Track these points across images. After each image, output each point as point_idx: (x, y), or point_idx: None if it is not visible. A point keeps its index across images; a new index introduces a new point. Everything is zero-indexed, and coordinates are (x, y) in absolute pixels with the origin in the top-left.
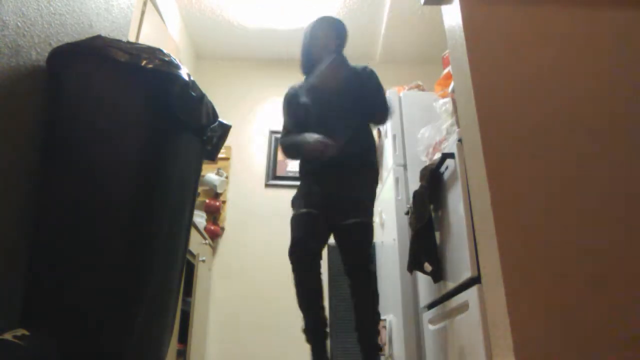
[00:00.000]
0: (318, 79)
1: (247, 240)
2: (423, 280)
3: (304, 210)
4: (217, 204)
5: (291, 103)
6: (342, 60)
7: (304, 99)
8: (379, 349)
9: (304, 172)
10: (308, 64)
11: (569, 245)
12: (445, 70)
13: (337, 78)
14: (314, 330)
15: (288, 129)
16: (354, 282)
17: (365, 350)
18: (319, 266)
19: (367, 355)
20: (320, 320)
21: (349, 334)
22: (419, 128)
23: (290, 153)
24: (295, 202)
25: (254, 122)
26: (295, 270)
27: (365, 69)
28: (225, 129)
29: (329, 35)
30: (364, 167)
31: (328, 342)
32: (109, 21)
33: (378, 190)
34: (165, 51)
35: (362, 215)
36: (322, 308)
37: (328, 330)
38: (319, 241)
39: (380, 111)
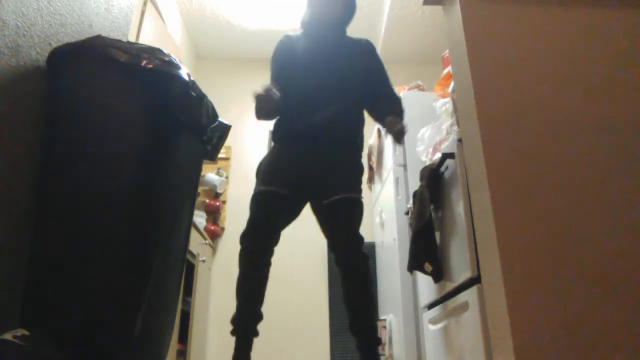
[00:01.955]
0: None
1: None
2: (423, 280)
3: (271, 188)
4: (217, 204)
5: (280, 55)
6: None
7: (299, 55)
8: (379, 342)
9: (277, 139)
10: (310, 21)
11: (569, 245)
12: (445, 70)
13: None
14: (247, 324)
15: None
16: (345, 269)
17: (364, 344)
18: (271, 256)
19: (366, 350)
20: (256, 315)
21: (349, 333)
22: (419, 128)
23: (256, 109)
24: (261, 174)
25: (254, 122)
26: (246, 258)
27: (367, 44)
28: (225, 129)
29: (337, 2)
30: (348, 145)
31: (252, 341)
32: (109, 21)
33: (378, 189)
34: (165, 51)
35: (348, 191)
36: (261, 302)
37: (258, 328)
38: (279, 230)
39: (395, 103)
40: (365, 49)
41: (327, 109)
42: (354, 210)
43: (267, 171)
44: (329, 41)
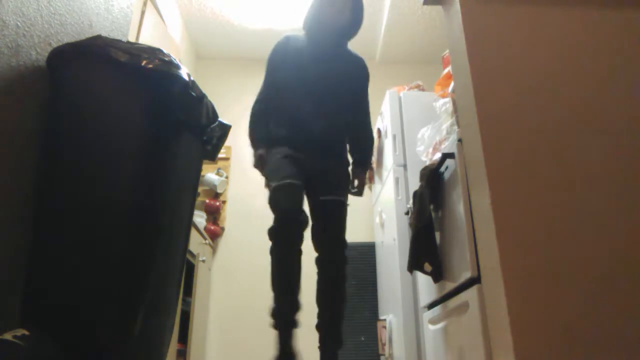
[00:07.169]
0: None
1: (247, 240)
2: (423, 280)
3: (286, 181)
4: (217, 204)
5: (278, 57)
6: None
7: (297, 60)
8: (340, 344)
9: (279, 139)
10: (314, 23)
11: (569, 245)
12: (445, 70)
13: None
14: (287, 315)
15: (266, 93)
16: (327, 267)
17: (327, 342)
18: (302, 242)
19: (327, 349)
20: (296, 305)
21: (348, 333)
22: (419, 128)
23: (250, 138)
24: (272, 172)
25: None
26: (282, 245)
27: (364, 67)
28: (225, 129)
29: (346, 6)
30: (340, 158)
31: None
32: (109, 21)
33: (378, 189)
34: (165, 51)
35: (342, 195)
36: (299, 291)
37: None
38: (305, 214)
39: (365, 143)
40: (359, 70)
41: (323, 122)
42: (344, 213)
43: (281, 167)
44: (328, 50)
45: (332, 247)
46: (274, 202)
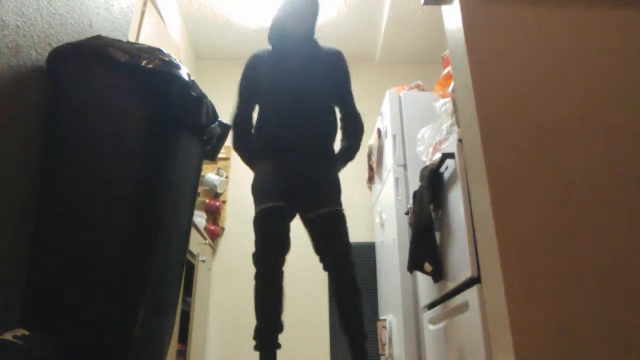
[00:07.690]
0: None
1: (247, 240)
2: (423, 280)
3: (269, 204)
4: (217, 204)
5: (250, 76)
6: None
7: (272, 74)
8: (366, 337)
9: (261, 152)
10: (278, 35)
11: (569, 245)
12: (445, 70)
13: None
14: (271, 337)
15: (244, 103)
16: (335, 277)
17: (354, 341)
18: (283, 265)
19: (356, 345)
20: (279, 327)
21: None
22: (419, 128)
23: (236, 150)
24: (257, 193)
25: (253, 121)
26: (264, 274)
27: (338, 56)
28: (225, 129)
29: (307, 11)
30: (326, 154)
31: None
32: (109, 21)
33: (378, 189)
34: (165, 51)
35: (334, 204)
36: (281, 313)
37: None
38: (288, 239)
39: (354, 136)
40: (336, 63)
41: (306, 127)
42: (340, 222)
43: (261, 190)
44: (301, 56)
45: (335, 257)
46: (256, 226)
